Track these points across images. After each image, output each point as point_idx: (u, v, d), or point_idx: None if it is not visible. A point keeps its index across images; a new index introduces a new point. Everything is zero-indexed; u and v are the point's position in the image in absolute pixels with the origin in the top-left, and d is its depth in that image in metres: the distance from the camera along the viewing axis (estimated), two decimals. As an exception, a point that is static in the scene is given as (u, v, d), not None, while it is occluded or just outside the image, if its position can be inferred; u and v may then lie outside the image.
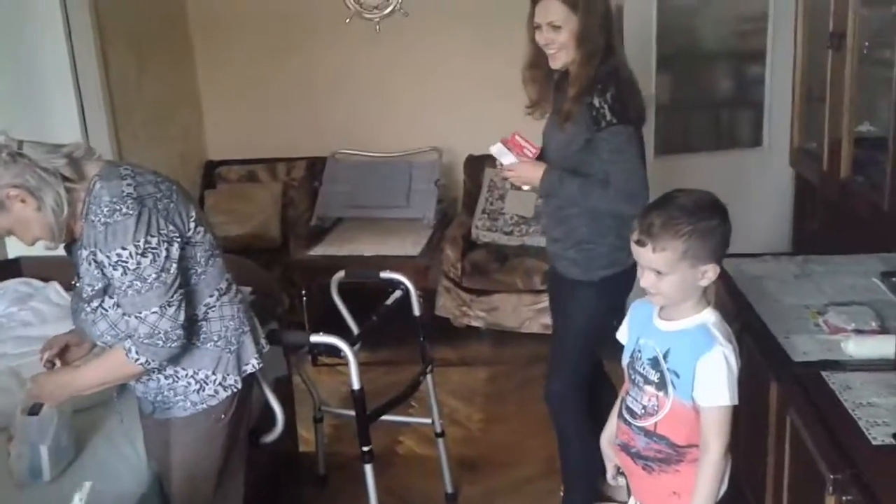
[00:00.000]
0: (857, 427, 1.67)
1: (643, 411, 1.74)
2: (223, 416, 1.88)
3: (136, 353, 1.71)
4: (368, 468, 2.30)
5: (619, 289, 2.35)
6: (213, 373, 1.84)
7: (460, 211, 4.38)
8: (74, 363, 1.94)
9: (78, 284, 1.79)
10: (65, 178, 1.67)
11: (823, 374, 1.88)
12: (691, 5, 3.99)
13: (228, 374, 1.85)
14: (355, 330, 2.65)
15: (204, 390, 1.84)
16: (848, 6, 2.34)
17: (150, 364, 1.73)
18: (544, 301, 3.77)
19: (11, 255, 3.11)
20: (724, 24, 4.10)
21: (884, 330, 2.03)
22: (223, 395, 1.86)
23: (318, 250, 4.01)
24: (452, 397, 3.46)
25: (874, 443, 1.61)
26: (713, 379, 1.65)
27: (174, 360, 1.80)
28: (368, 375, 3.62)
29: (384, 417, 2.70)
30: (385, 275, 2.68)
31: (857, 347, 1.96)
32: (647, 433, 1.74)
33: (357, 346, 2.53)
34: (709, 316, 1.71)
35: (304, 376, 2.82)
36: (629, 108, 2.23)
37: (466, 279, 3.88)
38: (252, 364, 1.91)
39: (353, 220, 4.33)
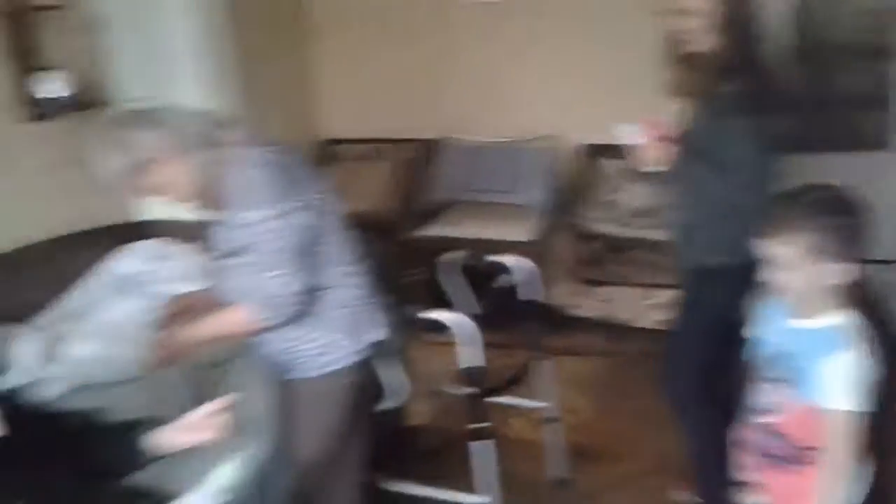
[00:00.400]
0: None
1: (767, 409, 1.69)
2: (346, 380, 1.90)
3: (255, 311, 1.75)
4: (477, 445, 2.28)
5: (739, 282, 2.17)
6: (339, 339, 1.87)
7: (575, 199, 4.30)
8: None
9: (215, 244, 1.85)
10: (207, 144, 1.72)
11: None
12: None
13: (353, 342, 1.88)
14: (473, 307, 2.64)
15: (329, 355, 1.87)
16: None
17: (266, 323, 1.76)
18: (659, 296, 3.67)
19: (147, 216, 3.24)
20: (850, 17, 3.86)
21: None
22: (346, 361, 1.88)
23: (430, 231, 4.03)
24: (564, 385, 3.38)
25: None
26: (839, 382, 1.57)
27: (295, 322, 1.82)
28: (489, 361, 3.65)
29: (496, 399, 2.69)
30: (494, 258, 2.65)
31: None
32: (769, 431, 1.69)
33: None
34: (842, 317, 1.63)
35: (417, 351, 2.82)
36: (759, 97, 2.15)
37: (580, 269, 3.81)
38: (377, 333, 1.92)
39: (465, 203, 4.32)
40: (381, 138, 4.64)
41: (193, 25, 3.62)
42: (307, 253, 1.76)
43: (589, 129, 4.29)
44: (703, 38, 2.17)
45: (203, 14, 3.64)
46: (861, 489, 1.68)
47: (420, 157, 4.56)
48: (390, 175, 4.48)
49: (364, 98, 4.70)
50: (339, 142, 4.72)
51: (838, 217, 1.60)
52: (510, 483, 2.73)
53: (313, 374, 1.89)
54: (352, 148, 4.67)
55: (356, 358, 1.89)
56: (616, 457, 2.90)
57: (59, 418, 1.53)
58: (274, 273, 1.71)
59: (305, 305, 1.80)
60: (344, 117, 4.77)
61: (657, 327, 3.72)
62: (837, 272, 1.59)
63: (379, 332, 1.92)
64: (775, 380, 1.67)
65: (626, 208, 4.01)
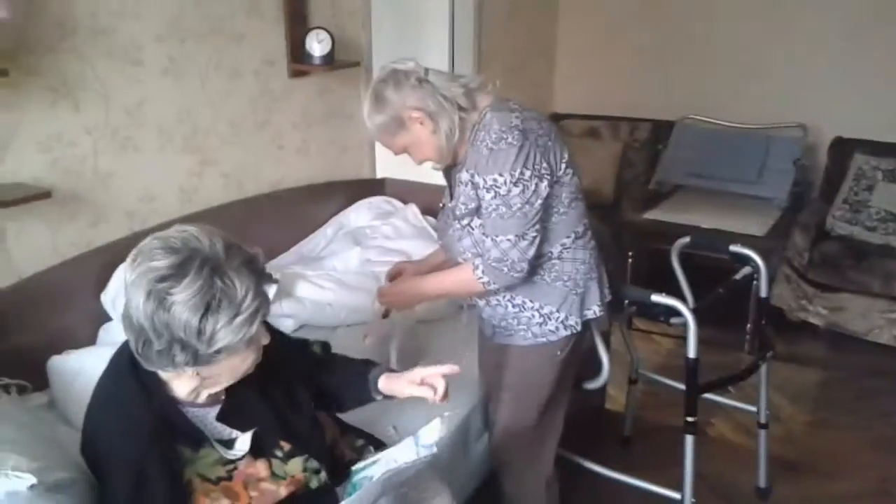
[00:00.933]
0: None
1: None
2: (559, 352, 1.92)
3: (483, 272, 1.79)
4: (689, 439, 2.21)
5: None
6: (558, 310, 1.88)
7: (817, 196, 3.99)
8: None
9: (450, 203, 1.92)
10: (460, 107, 1.78)
11: None
12: None
13: (571, 315, 1.89)
14: (689, 299, 2.55)
15: (546, 325, 1.89)
16: None
17: (490, 285, 1.80)
18: (901, 310, 3.33)
19: (380, 175, 3.44)
20: None
21: None
22: (563, 333, 1.89)
23: (653, 215, 3.91)
24: (778, 392, 3.21)
25: None
26: None
27: (519, 289, 1.86)
28: (684, 350, 3.53)
29: (707, 396, 2.59)
30: (735, 248, 2.51)
31: None
32: None
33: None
34: None
35: (625, 335, 2.79)
36: None
37: (813, 271, 3.53)
38: (594, 310, 1.91)
39: (693, 190, 4.15)
40: (612, 115, 4.57)
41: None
42: (539, 222, 1.77)
43: (845, 121, 3.96)
44: None
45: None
46: None
47: (652, 137, 4.44)
48: (617, 154, 4.40)
49: (598, 74, 4.65)
50: (567, 117, 4.70)
51: None
52: (708, 483, 2.65)
53: (528, 342, 1.93)
54: (580, 124, 4.63)
55: (571, 332, 1.90)
56: (825, 474, 2.69)
57: (300, 343, 1.67)
58: (504, 237, 1.75)
59: (530, 273, 1.82)
60: (575, 92, 4.75)
61: (893, 343, 3.40)
62: None
63: (596, 309, 1.92)
64: None
65: (876, 211, 3.65)
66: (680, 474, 2.22)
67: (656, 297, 2.19)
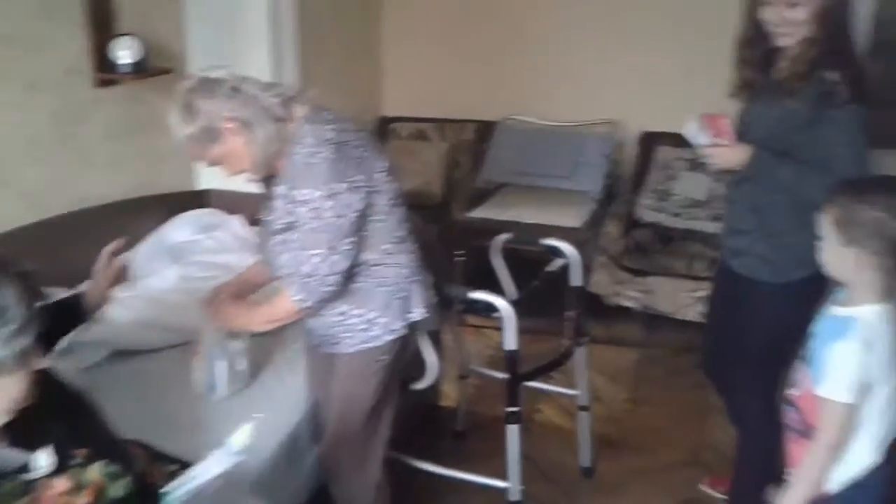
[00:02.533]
0: None
1: (793, 383, 1.77)
2: (384, 357, 1.95)
3: (296, 290, 1.79)
4: (512, 429, 2.31)
5: (812, 293, 1.93)
6: (382, 315, 1.90)
7: (627, 188, 4.27)
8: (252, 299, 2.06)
9: (269, 217, 1.90)
10: (277, 117, 1.76)
11: None
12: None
13: (395, 319, 1.92)
14: (511, 293, 2.66)
15: (370, 331, 1.91)
16: None
17: (305, 303, 1.80)
18: (705, 288, 3.61)
19: (206, 186, 3.34)
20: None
21: None
22: (387, 337, 1.92)
23: (479, 213, 4.04)
24: (598, 374, 3.40)
25: None
26: (833, 370, 1.61)
27: (338, 299, 1.87)
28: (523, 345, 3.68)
29: (530, 384, 2.71)
30: (548, 242, 2.66)
31: None
32: (791, 403, 1.77)
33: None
34: (867, 311, 1.63)
35: (454, 332, 2.87)
36: (864, 87, 2.01)
37: (626, 257, 3.78)
38: (417, 312, 1.95)
39: (516, 187, 4.32)
40: (439, 117, 4.67)
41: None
42: (354, 233, 1.78)
43: (651, 117, 4.25)
44: (804, 28, 2.03)
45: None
46: (847, 476, 1.69)
47: (477, 138, 4.58)
48: (444, 155, 4.50)
49: (425, 77, 4.72)
50: (396, 119, 4.76)
51: (860, 204, 1.61)
52: (536, 468, 2.77)
53: (354, 349, 1.94)
54: (408, 126, 4.70)
55: (395, 335, 1.93)
56: (644, 448, 2.90)
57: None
58: (315, 251, 1.74)
59: (344, 285, 1.82)
60: (403, 95, 4.80)
61: (699, 320, 3.69)
62: (855, 260, 1.61)
63: (419, 312, 1.96)
64: (801, 357, 1.74)
65: (680, 198, 3.95)
66: (505, 463, 2.31)
67: (475, 294, 2.28)
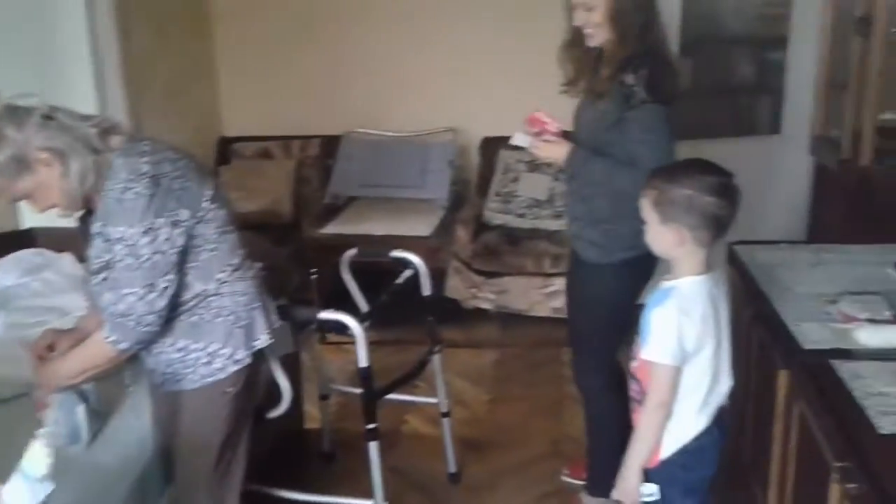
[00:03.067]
0: (865, 416, 1.65)
1: (633, 355, 1.89)
2: (230, 388, 1.88)
3: (109, 330, 1.70)
4: (373, 445, 2.30)
5: (639, 273, 2.29)
6: (223, 347, 1.84)
7: (473, 192, 4.36)
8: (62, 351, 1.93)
9: (88, 255, 1.80)
10: (93, 149, 1.67)
11: (833, 362, 1.85)
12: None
13: (238, 349, 1.86)
14: (365, 308, 2.65)
15: (213, 363, 1.84)
16: (875, -11, 2.30)
17: (120, 345, 1.72)
18: (555, 284, 3.76)
19: (26, 225, 3.12)
20: (747, 9, 4.04)
21: (897, 320, 2.00)
22: (231, 368, 1.86)
23: (330, 229, 4.01)
24: (459, 378, 3.45)
25: (881, 432, 1.59)
26: (654, 334, 1.76)
27: (177, 332, 1.79)
28: (376, 355, 3.60)
29: (390, 396, 2.70)
30: (395, 254, 2.67)
31: (868, 336, 1.93)
32: (633, 376, 1.88)
33: (366, 324, 2.52)
34: (683, 282, 1.78)
35: (311, 353, 2.82)
36: (663, 86, 2.18)
37: (477, 261, 3.86)
38: (262, 339, 1.90)
39: (366, 200, 4.32)
40: (282, 135, 4.59)
41: (80, 18, 3.49)
42: (174, 270, 1.71)
43: (489, 122, 4.36)
44: (604, 30, 2.20)
45: (91, 12, 3.52)
46: (680, 440, 1.84)
47: (322, 153, 4.54)
48: (291, 172, 4.43)
49: (264, 95, 4.64)
50: (238, 139, 4.64)
51: (678, 186, 1.75)
52: (405, 480, 2.77)
53: (198, 384, 1.86)
54: (251, 145, 4.60)
55: (239, 366, 1.87)
56: (507, 446, 2.96)
57: None
58: (130, 290, 1.66)
59: (188, 315, 1.76)
60: (243, 114, 4.70)
61: (554, 315, 3.82)
62: (671, 234, 1.76)
63: (264, 338, 1.90)
64: (637, 331, 1.85)
65: (523, 199, 4.08)
66: (369, 480, 2.30)
67: (324, 314, 2.25)
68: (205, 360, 1.84)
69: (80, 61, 3.53)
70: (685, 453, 1.84)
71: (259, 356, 1.95)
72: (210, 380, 1.85)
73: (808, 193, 3.64)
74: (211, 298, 1.81)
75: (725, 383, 1.89)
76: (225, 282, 1.82)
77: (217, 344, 1.83)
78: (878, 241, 2.55)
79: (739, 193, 1.82)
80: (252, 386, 1.98)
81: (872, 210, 2.49)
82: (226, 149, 4.62)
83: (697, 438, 1.85)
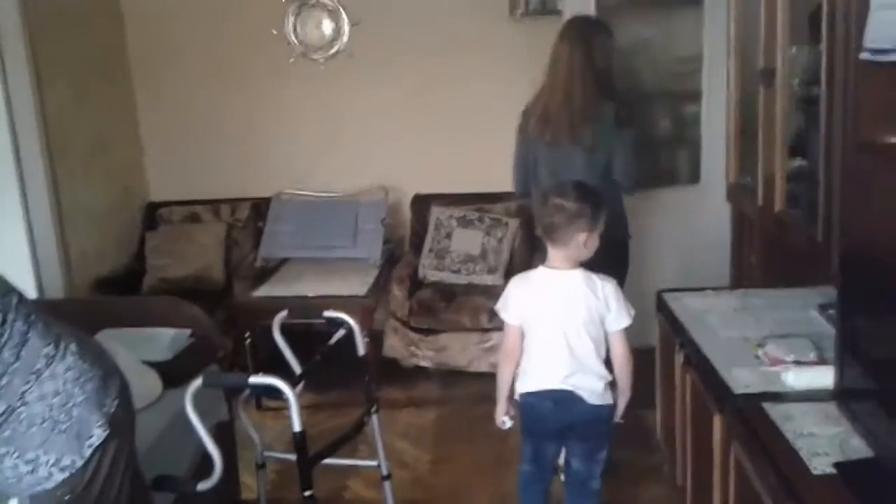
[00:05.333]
0: (799, 458, 1.68)
1: None
2: (69, 495, 1.68)
3: None
4: (308, 514, 2.22)
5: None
6: (44, 453, 1.66)
7: (407, 250, 4.36)
8: None
9: None
10: None
11: (765, 405, 1.90)
12: (630, 48, 4.09)
13: (63, 455, 1.67)
14: (298, 371, 2.59)
15: (37, 472, 1.66)
16: (776, 43, 2.42)
17: None
18: (493, 339, 3.76)
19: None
20: (661, 65, 4.22)
21: (822, 361, 2.07)
22: (59, 476, 1.67)
23: (263, 291, 3.94)
24: (401, 439, 3.40)
25: (815, 472, 1.63)
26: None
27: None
28: (316, 418, 3.60)
29: (329, 461, 2.64)
30: (328, 314, 2.63)
31: (796, 378, 1.99)
32: None
33: (299, 388, 2.47)
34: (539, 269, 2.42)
35: (245, 420, 2.74)
36: None
37: (414, 318, 3.84)
38: (97, 435, 1.70)
39: (298, 261, 4.27)
40: (211, 198, 4.52)
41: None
42: None
43: (421, 180, 4.40)
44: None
45: (5, 75, 3.45)
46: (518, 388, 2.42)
47: (252, 215, 4.48)
48: (221, 236, 4.36)
49: (190, 158, 4.57)
50: (164, 204, 4.55)
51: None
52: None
53: (26, 493, 1.66)
54: (178, 210, 4.51)
55: (69, 472, 1.66)
56: (450, 505, 2.92)
57: None
58: None
59: None
60: (169, 179, 4.62)
61: (492, 370, 3.81)
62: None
63: (100, 432, 1.70)
64: None
65: (457, 255, 4.10)
66: (310, 550, 2.22)
67: (254, 379, 2.19)
68: (27, 469, 1.65)
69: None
70: (522, 401, 2.41)
71: (116, 445, 1.74)
72: (39, 489, 1.66)
73: (729, 240, 3.77)
74: (18, 410, 1.64)
75: (561, 372, 2.30)
76: (30, 391, 1.65)
77: (36, 451, 1.65)
78: (798, 283, 2.65)
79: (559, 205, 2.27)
80: (115, 479, 1.75)
81: (790, 254, 2.59)
82: (153, 214, 4.52)
83: (524, 395, 2.39)
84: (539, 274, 2.34)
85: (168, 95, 4.53)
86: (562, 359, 2.30)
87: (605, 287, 2.28)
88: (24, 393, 1.64)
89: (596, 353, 2.31)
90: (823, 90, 2.10)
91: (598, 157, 2.89)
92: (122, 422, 1.76)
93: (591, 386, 2.31)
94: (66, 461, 1.66)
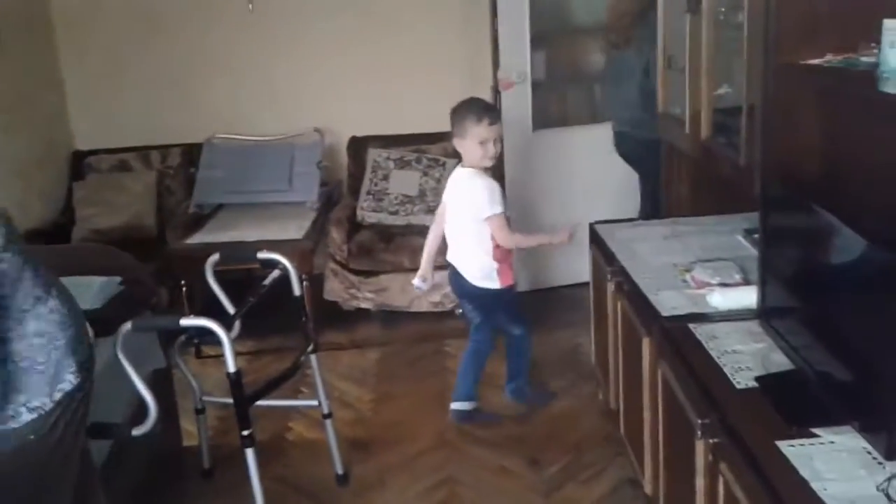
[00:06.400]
0: (723, 373, 1.74)
1: None
2: (32, 436, 1.64)
3: None
4: (249, 453, 2.23)
5: None
6: (16, 392, 1.63)
7: (345, 193, 4.32)
8: None
9: None
10: None
11: (691, 326, 1.95)
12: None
13: (34, 396, 1.64)
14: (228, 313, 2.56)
15: (5, 410, 1.62)
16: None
17: None
18: (433, 279, 3.77)
19: None
20: (595, 0, 4.20)
21: (747, 283, 2.13)
22: (27, 416, 1.63)
23: (197, 238, 3.86)
24: (343, 380, 3.41)
25: (738, 387, 1.69)
26: None
27: None
28: (256, 364, 3.59)
29: (270, 402, 2.64)
30: (262, 255, 2.59)
31: (721, 299, 2.05)
32: None
33: (235, 330, 2.45)
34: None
35: (183, 367, 2.71)
36: None
37: (353, 261, 3.82)
38: (68, 381, 1.68)
39: (233, 207, 4.18)
40: (140, 145, 4.39)
41: None
42: None
43: (357, 122, 4.33)
44: None
45: None
46: None
47: (183, 161, 4.37)
48: (152, 184, 4.25)
49: (117, 105, 4.42)
50: (92, 153, 4.40)
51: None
52: (291, 486, 2.71)
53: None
54: (107, 158, 4.37)
55: (39, 413, 1.62)
56: (393, 443, 2.94)
57: None
58: None
59: None
60: (96, 126, 4.46)
61: (434, 310, 3.84)
62: None
63: (71, 378, 1.67)
64: None
65: (395, 196, 4.07)
66: (249, 489, 2.23)
67: (186, 321, 2.16)
68: None
69: None
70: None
71: (82, 390, 1.70)
72: (3, 427, 1.60)
73: (661, 172, 3.82)
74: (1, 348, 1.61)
75: None
76: (15, 329, 1.62)
77: (6, 389, 1.61)
78: (726, 211, 2.71)
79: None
80: (71, 428, 1.70)
81: (718, 182, 2.63)
82: (80, 163, 4.37)
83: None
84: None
85: (93, 41, 4.34)
86: None
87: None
88: (8, 330, 1.60)
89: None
90: (746, 15, 2.12)
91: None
92: (88, 371, 1.74)
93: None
94: (35, 402, 1.64)
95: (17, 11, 4.04)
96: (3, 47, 3.84)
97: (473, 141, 2.79)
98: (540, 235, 3.10)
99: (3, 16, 3.87)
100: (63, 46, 4.37)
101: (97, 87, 4.41)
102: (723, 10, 2.37)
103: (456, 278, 2.96)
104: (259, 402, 2.44)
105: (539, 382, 3.26)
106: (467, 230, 2.86)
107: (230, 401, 2.72)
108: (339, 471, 2.73)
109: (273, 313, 2.78)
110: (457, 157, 4.26)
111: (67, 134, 4.47)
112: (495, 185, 2.83)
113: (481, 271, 2.86)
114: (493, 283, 2.86)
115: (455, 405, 3.02)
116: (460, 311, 3.51)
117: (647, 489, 2.24)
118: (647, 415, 2.15)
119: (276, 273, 2.56)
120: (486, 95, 4.23)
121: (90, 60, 4.37)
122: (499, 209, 2.76)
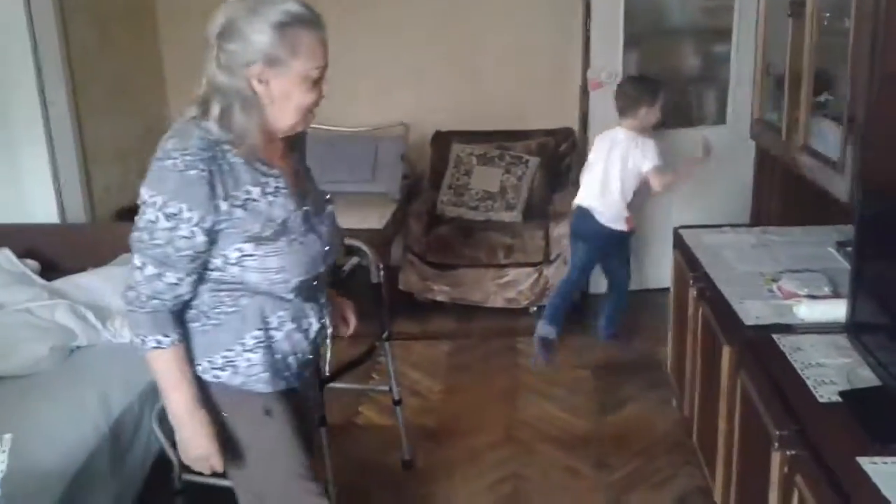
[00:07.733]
0: (805, 386, 1.69)
1: None
2: None
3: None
4: (322, 431, 2.28)
5: None
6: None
7: (427, 186, 4.36)
8: None
9: None
10: None
11: (775, 336, 1.90)
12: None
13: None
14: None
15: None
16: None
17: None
18: (508, 275, 3.79)
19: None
20: (692, 2, 4.12)
21: (836, 295, 2.06)
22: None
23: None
24: (415, 370, 3.45)
25: (821, 400, 1.63)
26: None
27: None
28: (333, 348, 3.64)
29: (342, 385, 2.68)
30: (354, 241, 2.65)
31: (808, 311, 1.98)
32: None
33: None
34: None
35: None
36: None
37: (431, 253, 3.86)
38: None
39: (319, 194, 4.27)
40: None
41: (21, 27, 3.41)
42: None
43: (441, 116, 4.36)
44: None
45: (31, 15, 3.45)
46: None
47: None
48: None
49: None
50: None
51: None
52: (360, 467, 2.76)
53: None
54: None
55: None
56: (461, 434, 2.95)
57: None
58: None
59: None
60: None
61: (508, 306, 3.84)
62: None
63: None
64: None
65: (475, 192, 4.09)
66: (321, 467, 2.28)
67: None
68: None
69: (21, 61, 3.45)
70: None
71: None
72: None
73: (751, 179, 3.72)
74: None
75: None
76: None
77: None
78: (819, 222, 2.62)
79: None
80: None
81: (810, 191, 2.55)
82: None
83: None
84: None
85: (192, 33, 4.43)
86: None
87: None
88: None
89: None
90: (852, 21, 2.04)
91: None
92: None
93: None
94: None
95: (125, 5, 4.23)
96: (111, 38, 4.04)
97: (656, 110, 3.31)
98: (681, 169, 3.40)
99: (112, 9, 4.07)
100: (164, 37, 4.55)
101: (194, 76, 4.55)
102: (827, 14, 2.29)
103: (585, 220, 3.36)
104: (332, 385, 2.50)
105: (613, 384, 3.25)
106: (616, 177, 3.29)
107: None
108: (407, 456, 2.76)
109: (349, 299, 2.82)
110: (539, 154, 4.30)
111: (166, 119, 4.65)
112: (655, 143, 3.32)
113: (617, 214, 3.32)
114: (621, 226, 3.33)
115: (541, 330, 3.38)
116: (535, 308, 3.72)
117: (717, 499, 2.19)
118: (722, 424, 2.10)
119: (354, 260, 2.60)
120: (574, 95, 4.23)
121: (189, 50, 4.49)
122: (659, 161, 3.25)
